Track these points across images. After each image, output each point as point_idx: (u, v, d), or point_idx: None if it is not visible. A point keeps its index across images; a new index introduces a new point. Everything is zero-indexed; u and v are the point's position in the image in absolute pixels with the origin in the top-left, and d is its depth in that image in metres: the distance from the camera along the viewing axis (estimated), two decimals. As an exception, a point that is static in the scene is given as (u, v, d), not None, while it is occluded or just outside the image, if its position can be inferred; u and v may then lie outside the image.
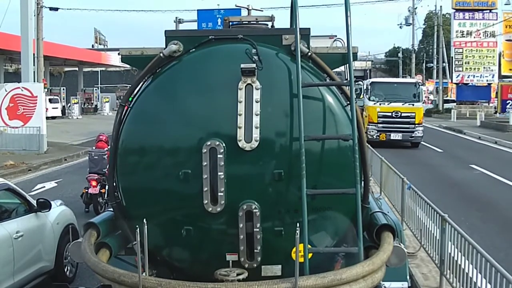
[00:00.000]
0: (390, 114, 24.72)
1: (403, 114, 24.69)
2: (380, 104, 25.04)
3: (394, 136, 24.73)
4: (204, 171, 4.16)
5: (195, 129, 4.29)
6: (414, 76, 50.92)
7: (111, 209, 4.81)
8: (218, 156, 4.15)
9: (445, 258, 6.91)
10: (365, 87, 25.68)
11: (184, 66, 4.50)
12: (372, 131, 24.78)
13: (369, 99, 25.37)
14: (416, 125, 24.84)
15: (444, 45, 53.53)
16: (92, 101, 51.70)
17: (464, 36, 48.12)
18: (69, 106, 44.78)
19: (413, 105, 24.82)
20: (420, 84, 26.61)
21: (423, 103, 26.40)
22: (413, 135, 24.78)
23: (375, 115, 24.90)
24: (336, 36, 7.14)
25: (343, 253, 4.61)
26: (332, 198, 4.30)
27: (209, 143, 4.16)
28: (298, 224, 3.83)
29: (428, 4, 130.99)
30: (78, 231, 7.89)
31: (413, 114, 24.73)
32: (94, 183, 11.72)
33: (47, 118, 26.38)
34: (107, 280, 3.98)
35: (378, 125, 24.87)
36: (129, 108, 4.57)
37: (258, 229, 4.22)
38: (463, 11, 48.25)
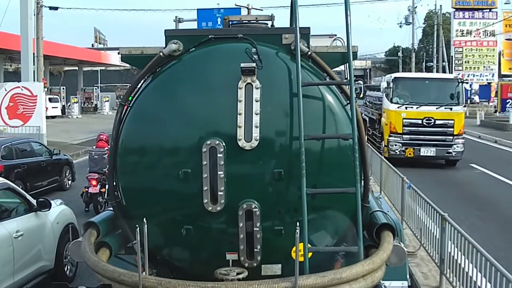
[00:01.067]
0: (420, 121, 18.37)
1: (437, 122, 18.30)
2: (406, 108, 18.57)
3: (425, 152, 18.38)
4: (204, 170, 4.16)
5: (195, 128, 4.29)
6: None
7: (111, 209, 4.81)
8: (218, 155, 4.15)
9: (445, 257, 6.92)
10: (385, 85, 19.46)
11: (184, 66, 4.50)
12: (395, 145, 18.56)
13: (391, 101, 18.96)
14: (455, 137, 18.37)
15: (444, 44, 53.52)
16: (92, 101, 51.68)
17: (464, 35, 48.18)
18: (69, 105, 44.78)
19: (451, 109, 18.34)
20: (461, 81, 19.34)
21: (464, 106, 19.90)
22: (450, 150, 18.37)
23: (400, 123, 18.54)
24: (336, 35, 7.15)
25: (343, 252, 4.61)
26: (332, 197, 4.30)
27: (209, 142, 4.16)
28: (298, 223, 3.83)
29: (428, 3, 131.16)
30: (78, 231, 7.89)
31: (451, 121, 18.32)
32: (94, 182, 11.73)
33: (47, 117, 26.36)
34: (107, 279, 3.98)
35: (404, 136, 18.51)
36: (129, 108, 4.57)
37: (258, 228, 4.23)
38: (463, 10, 48.32)
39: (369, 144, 15.33)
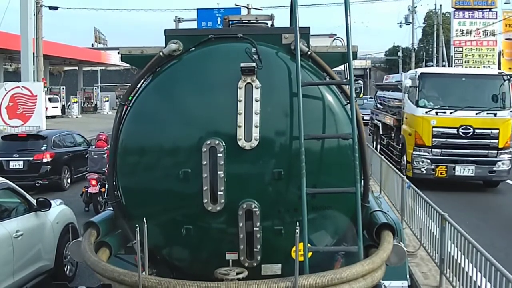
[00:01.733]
0: (454, 131, 14.22)
1: (477, 132, 14.19)
2: (437, 113, 14.39)
3: (462, 171, 14.19)
4: (204, 170, 4.16)
5: (195, 128, 4.29)
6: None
7: (111, 208, 4.82)
8: (218, 155, 4.16)
9: (445, 257, 6.92)
10: (409, 83, 15.06)
11: (184, 65, 4.50)
12: (422, 161, 14.42)
13: (416, 104, 14.75)
14: (500, 151, 14.28)
15: (444, 44, 53.51)
16: (92, 100, 51.70)
17: (464, 35, 48.14)
18: (69, 105, 44.80)
19: (495, 115, 14.26)
20: (508, 78, 14.81)
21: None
22: (494, 168, 14.21)
23: (428, 133, 14.38)
24: (335, 35, 7.15)
25: (343, 252, 4.61)
26: (332, 197, 4.30)
27: (209, 142, 4.16)
28: (298, 223, 3.83)
29: (428, 3, 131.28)
30: (78, 230, 7.89)
31: (495, 131, 14.20)
32: (94, 182, 11.73)
33: (47, 117, 26.43)
34: (107, 279, 3.98)
35: (433, 150, 14.37)
36: (129, 107, 4.57)
37: (258, 228, 4.23)
38: (462, 10, 48.26)
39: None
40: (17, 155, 14.32)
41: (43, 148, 14.61)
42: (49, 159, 14.46)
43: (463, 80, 15.22)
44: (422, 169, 14.40)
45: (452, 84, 15.02)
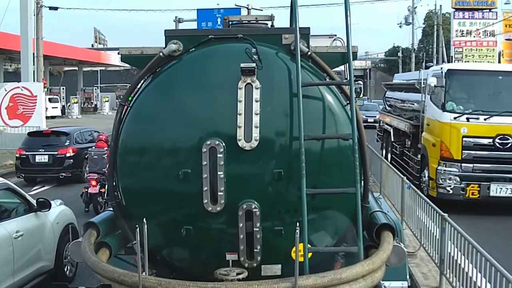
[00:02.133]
0: (490, 141, 11.74)
1: None
2: (468, 119, 11.85)
3: (498, 190, 11.63)
4: (204, 170, 4.16)
5: (195, 128, 4.29)
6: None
7: (111, 209, 4.82)
8: (218, 155, 4.16)
9: (445, 258, 6.92)
10: (433, 83, 12.42)
11: (184, 66, 4.51)
12: (449, 179, 11.86)
13: (442, 108, 12.24)
14: None
15: (443, 45, 53.53)
16: (92, 101, 51.75)
17: (463, 36, 48.16)
18: (69, 105, 44.84)
19: None
20: None
21: None
22: None
23: (457, 144, 11.88)
24: (336, 35, 7.15)
25: (343, 252, 4.61)
26: (332, 197, 4.30)
27: (209, 142, 4.16)
28: (298, 224, 3.83)
29: (428, 3, 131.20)
30: (78, 231, 7.89)
31: None
32: (94, 182, 11.73)
33: (47, 117, 26.45)
34: (107, 279, 3.98)
35: (464, 165, 11.85)
36: (129, 108, 4.57)
37: (258, 229, 4.23)
38: (462, 10, 48.27)
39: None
40: (43, 150, 15.71)
41: (66, 143, 15.95)
42: (72, 154, 15.77)
43: (499, 78, 12.63)
44: (449, 188, 11.88)
45: (486, 83, 12.51)
